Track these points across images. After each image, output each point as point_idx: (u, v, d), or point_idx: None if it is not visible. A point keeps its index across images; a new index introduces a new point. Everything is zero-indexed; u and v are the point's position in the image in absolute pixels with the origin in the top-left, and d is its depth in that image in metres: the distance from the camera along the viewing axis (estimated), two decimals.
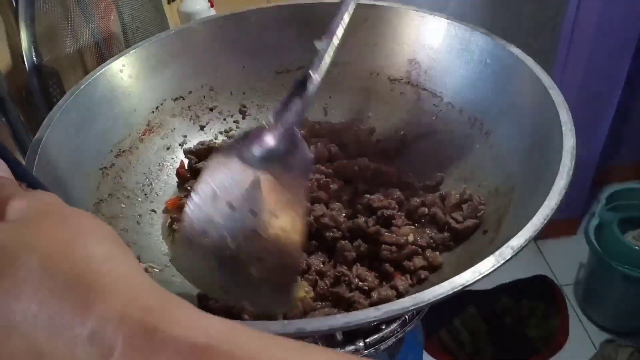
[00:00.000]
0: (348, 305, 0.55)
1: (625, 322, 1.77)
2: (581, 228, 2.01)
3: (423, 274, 0.57)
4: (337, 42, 0.56)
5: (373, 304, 0.49)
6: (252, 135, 0.54)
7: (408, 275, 0.58)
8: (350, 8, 0.58)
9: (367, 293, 0.56)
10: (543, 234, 1.99)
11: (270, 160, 0.53)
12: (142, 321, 0.26)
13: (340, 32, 0.57)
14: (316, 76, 0.55)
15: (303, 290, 0.54)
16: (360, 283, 0.56)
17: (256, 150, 0.53)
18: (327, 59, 0.56)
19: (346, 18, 0.57)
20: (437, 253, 0.59)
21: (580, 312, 1.85)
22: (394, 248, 0.58)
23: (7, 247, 0.28)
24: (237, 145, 0.54)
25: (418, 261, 0.58)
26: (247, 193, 0.51)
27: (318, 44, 0.56)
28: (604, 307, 1.79)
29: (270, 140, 0.54)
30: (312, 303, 0.54)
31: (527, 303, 1.82)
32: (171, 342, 0.25)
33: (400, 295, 0.55)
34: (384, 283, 0.57)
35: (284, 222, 0.49)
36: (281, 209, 0.50)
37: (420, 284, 0.57)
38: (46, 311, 0.26)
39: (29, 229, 0.29)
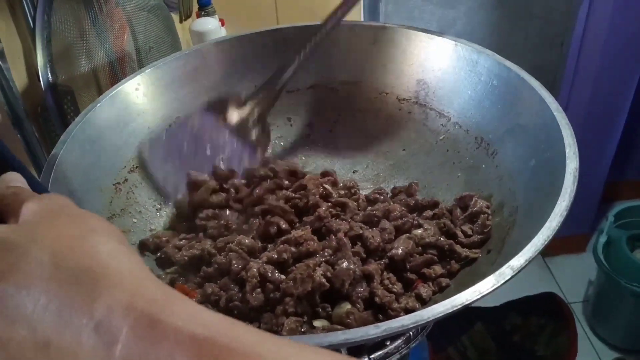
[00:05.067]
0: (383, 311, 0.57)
1: (634, 340, 1.76)
2: (590, 245, 2.00)
3: (444, 281, 0.59)
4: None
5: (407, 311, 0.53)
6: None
7: (430, 283, 0.59)
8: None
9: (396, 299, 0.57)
10: (551, 251, 2.00)
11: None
12: (146, 312, 0.27)
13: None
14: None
15: (345, 308, 0.55)
16: (390, 285, 0.57)
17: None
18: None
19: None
20: (453, 261, 0.60)
21: (589, 329, 1.84)
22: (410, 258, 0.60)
23: (19, 244, 0.29)
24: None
25: (437, 269, 0.59)
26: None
27: None
28: (613, 325, 1.78)
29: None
30: (363, 315, 0.55)
31: (536, 320, 1.81)
32: (172, 333, 0.26)
33: (424, 302, 0.57)
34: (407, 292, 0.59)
35: None
36: None
37: (442, 292, 0.58)
38: (55, 303, 0.27)
39: (41, 227, 0.31)
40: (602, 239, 1.71)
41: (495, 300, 1.80)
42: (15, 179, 0.40)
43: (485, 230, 0.61)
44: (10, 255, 0.29)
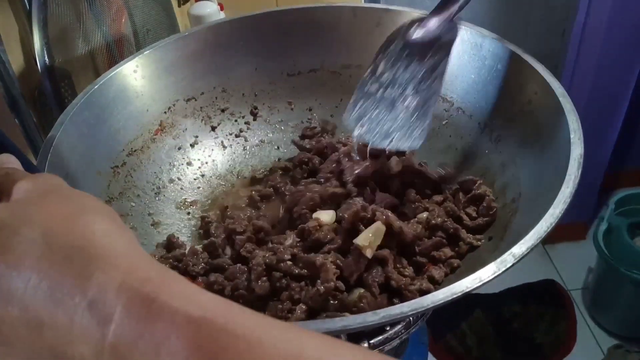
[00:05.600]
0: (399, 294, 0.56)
1: (633, 327, 1.76)
2: (590, 233, 2.00)
3: (455, 262, 0.58)
4: None
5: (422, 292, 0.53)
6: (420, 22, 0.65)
7: (441, 265, 0.58)
8: None
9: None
10: (552, 238, 1.99)
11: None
12: (140, 291, 0.26)
13: None
14: None
15: (358, 293, 0.55)
16: (402, 269, 0.57)
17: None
18: None
19: None
20: (461, 243, 0.60)
21: (588, 317, 1.84)
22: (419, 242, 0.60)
23: (10, 223, 0.29)
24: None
25: (447, 251, 0.59)
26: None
27: None
28: (613, 312, 1.78)
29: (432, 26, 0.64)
30: (375, 300, 0.55)
31: (535, 308, 1.81)
32: (168, 313, 0.26)
33: (437, 284, 0.56)
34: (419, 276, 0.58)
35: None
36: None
37: (453, 272, 0.58)
38: (47, 282, 0.27)
39: (33, 206, 0.31)
40: (603, 227, 1.71)
41: (494, 287, 1.80)
42: (9, 161, 0.39)
43: (491, 212, 0.60)
44: (0, 234, 0.28)
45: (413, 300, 0.41)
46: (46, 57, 0.80)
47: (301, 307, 0.53)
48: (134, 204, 0.66)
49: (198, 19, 1.11)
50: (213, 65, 0.77)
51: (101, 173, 0.63)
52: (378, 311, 0.40)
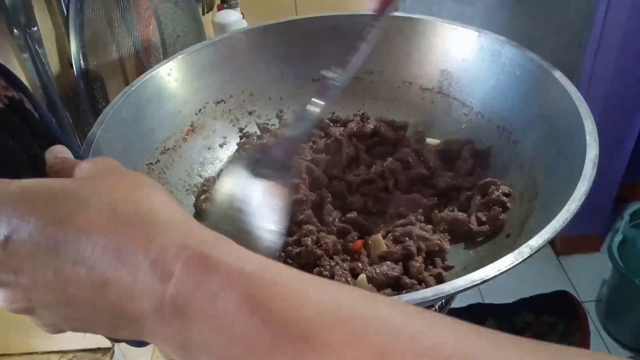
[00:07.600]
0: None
1: None
2: (605, 244, 2.00)
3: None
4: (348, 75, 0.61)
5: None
6: (261, 151, 0.61)
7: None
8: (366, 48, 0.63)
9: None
10: (566, 250, 1.95)
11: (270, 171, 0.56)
12: (198, 250, 0.29)
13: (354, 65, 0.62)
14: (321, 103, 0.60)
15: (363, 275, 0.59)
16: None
17: (263, 164, 0.57)
18: (338, 88, 0.61)
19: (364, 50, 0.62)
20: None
21: (601, 328, 1.84)
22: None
23: (79, 193, 0.32)
24: (247, 159, 0.58)
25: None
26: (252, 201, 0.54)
27: (326, 73, 0.61)
28: (626, 324, 1.78)
29: (275, 154, 0.58)
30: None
31: (548, 318, 1.80)
32: (223, 267, 0.28)
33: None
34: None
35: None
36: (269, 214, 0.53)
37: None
38: (113, 244, 0.30)
39: (96, 180, 0.34)
40: (617, 238, 1.71)
41: (507, 297, 1.81)
42: (62, 151, 0.42)
43: (498, 224, 0.62)
44: (69, 203, 0.31)
45: (435, 287, 0.43)
46: (81, 61, 0.83)
47: None
48: None
49: (222, 27, 1.15)
50: (241, 70, 0.80)
51: (137, 169, 0.66)
52: (402, 296, 0.43)
